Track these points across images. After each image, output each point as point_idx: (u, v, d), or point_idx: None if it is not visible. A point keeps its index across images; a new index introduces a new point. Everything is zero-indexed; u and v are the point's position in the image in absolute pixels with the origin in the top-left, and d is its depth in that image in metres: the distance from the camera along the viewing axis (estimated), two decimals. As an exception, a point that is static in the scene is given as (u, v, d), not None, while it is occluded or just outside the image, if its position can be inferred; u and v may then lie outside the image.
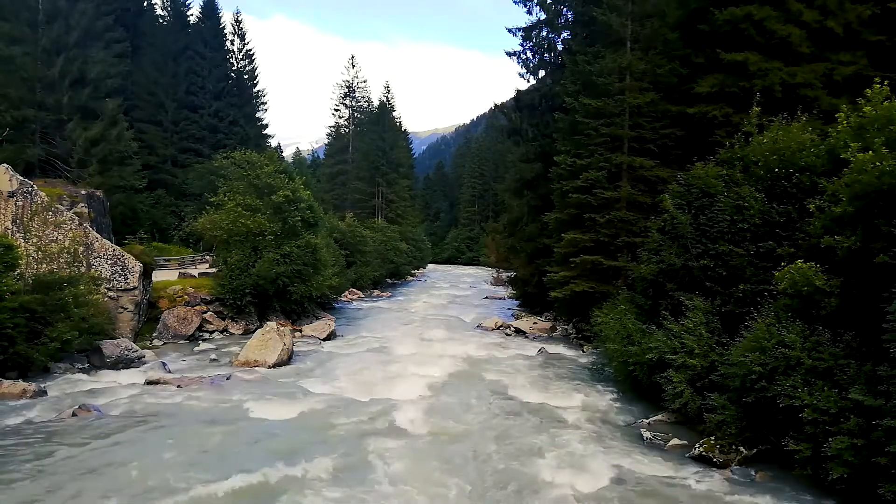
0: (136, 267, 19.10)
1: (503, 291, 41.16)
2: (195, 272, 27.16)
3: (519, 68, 29.34)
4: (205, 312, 21.96)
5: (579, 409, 13.26)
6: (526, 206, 29.32)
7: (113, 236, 24.15)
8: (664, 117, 19.82)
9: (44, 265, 16.51)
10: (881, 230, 8.67)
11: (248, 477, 8.64)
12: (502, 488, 8.79)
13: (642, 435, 11.34)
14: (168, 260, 31.31)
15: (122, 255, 19.06)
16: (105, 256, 18.80)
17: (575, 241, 20.51)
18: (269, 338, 17.42)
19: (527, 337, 23.98)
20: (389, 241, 51.36)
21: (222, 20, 49.15)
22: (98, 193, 24.55)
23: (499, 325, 25.95)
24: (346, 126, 68.75)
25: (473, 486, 8.89)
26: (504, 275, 39.95)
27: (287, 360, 17.31)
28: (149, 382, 14.12)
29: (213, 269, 25.24)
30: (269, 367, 16.50)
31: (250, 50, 51.25)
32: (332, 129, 70.23)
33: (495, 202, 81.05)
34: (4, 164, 18.28)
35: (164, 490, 8.17)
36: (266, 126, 53.76)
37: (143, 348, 17.37)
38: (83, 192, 23.13)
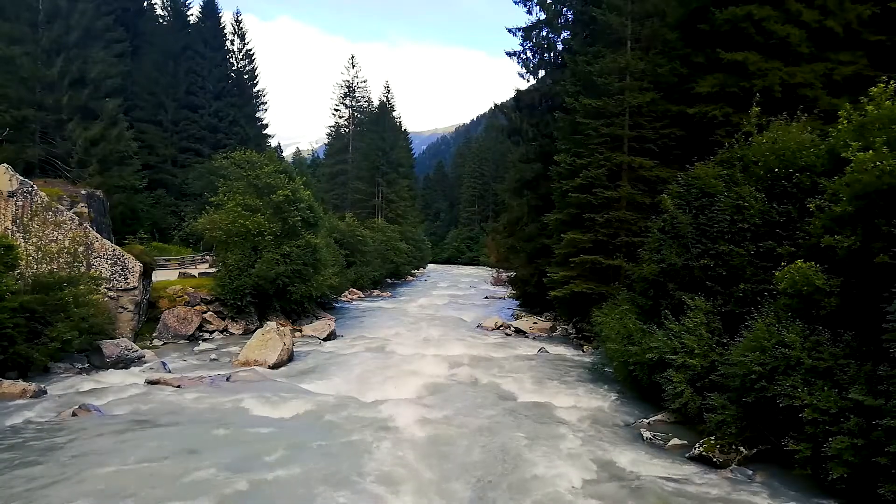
0: (136, 267, 19.10)
1: (503, 291, 41.17)
2: (195, 272, 27.17)
3: (519, 68, 29.47)
4: (205, 312, 21.96)
5: (579, 408, 13.25)
6: (526, 206, 29.33)
7: (113, 236, 24.19)
8: (664, 117, 19.83)
9: (44, 265, 16.47)
10: (881, 230, 8.66)
11: (247, 477, 8.64)
12: (501, 488, 8.78)
13: (642, 435, 11.34)
14: (168, 260, 31.35)
15: (122, 255, 19.05)
16: (105, 256, 18.80)
17: (574, 241, 20.51)
18: (269, 338, 17.42)
19: (527, 337, 23.97)
20: (389, 241, 51.38)
21: (222, 20, 49.34)
22: (98, 193, 24.60)
23: (499, 324, 25.94)
24: (346, 126, 68.77)
25: (472, 485, 8.89)
26: (504, 275, 39.95)
27: (287, 359, 17.31)
28: (149, 382, 14.10)
29: (213, 269, 25.24)
30: (269, 367, 16.49)
31: (250, 50, 51.39)
32: (332, 129, 70.30)
33: (495, 202, 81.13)
34: (4, 164, 18.28)
35: (164, 490, 8.16)
36: (266, 126, 53.96)
37: (143, 348, 17.36)
38: (83, 192, 23.18)
